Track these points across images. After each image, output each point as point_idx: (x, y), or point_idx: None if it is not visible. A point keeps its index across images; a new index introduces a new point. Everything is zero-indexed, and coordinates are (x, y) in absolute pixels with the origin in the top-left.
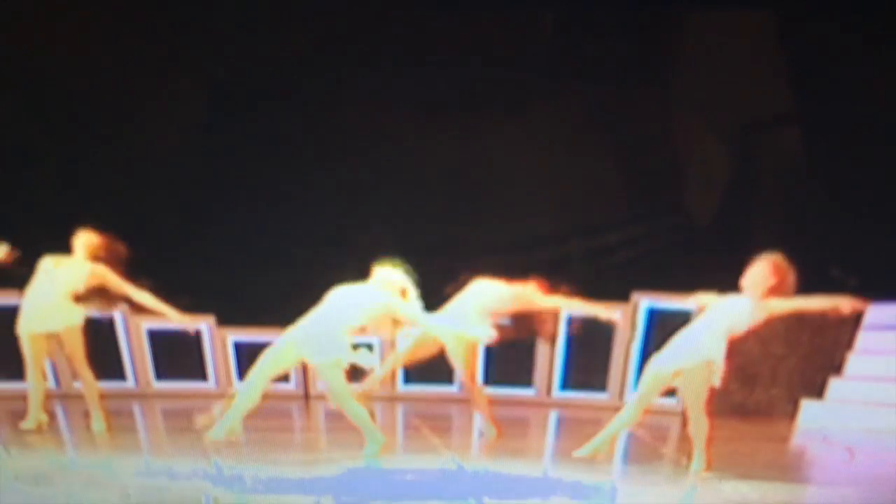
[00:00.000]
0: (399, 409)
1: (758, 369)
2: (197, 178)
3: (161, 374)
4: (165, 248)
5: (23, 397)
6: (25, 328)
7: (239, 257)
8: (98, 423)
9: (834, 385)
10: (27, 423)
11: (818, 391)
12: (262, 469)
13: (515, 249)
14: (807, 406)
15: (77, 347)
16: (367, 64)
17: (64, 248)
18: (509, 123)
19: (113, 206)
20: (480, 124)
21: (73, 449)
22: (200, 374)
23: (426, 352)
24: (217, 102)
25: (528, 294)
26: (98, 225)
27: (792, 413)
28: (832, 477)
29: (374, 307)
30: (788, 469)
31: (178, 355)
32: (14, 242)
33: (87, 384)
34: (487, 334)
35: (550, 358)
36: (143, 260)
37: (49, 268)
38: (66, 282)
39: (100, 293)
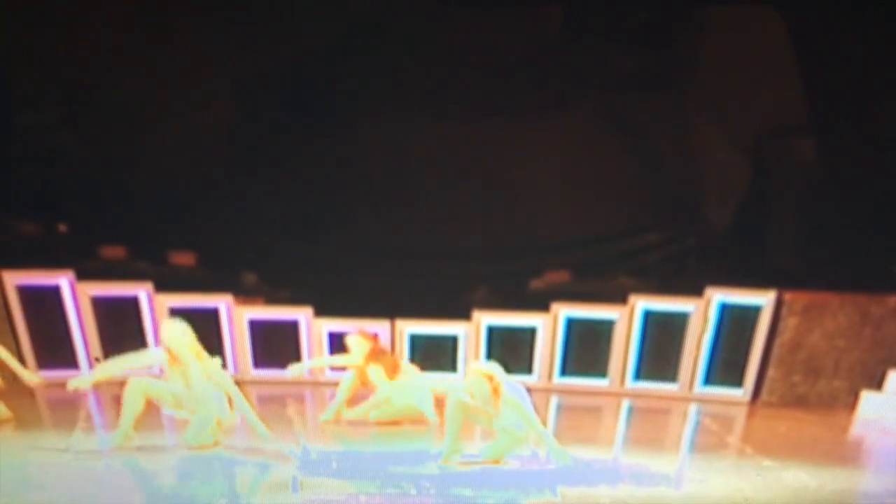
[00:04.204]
0: None
1: (822, 362)
2: (297, 181)
3: (259, 362)
4: (269, 245)
5: None
6: None
7: (336, 254)
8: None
9: (893, 377)
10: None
11: (878, 383)
12: (346, 455)
13: (529, 254)
14: (867, 397)
15: None
16: (388, 69)
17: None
18: (525, 129)
19: (225, 205)
20: (499, 129)
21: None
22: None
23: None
24: (305, 102)
25: None
26: (212, 225)
27: (853, 404)
28: (889, 465)
29: None
30: (847, 458)
31: (275, 344)
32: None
33: None
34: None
35: (625, 351)
36: (249, 257)
37: None
38: None
39: None
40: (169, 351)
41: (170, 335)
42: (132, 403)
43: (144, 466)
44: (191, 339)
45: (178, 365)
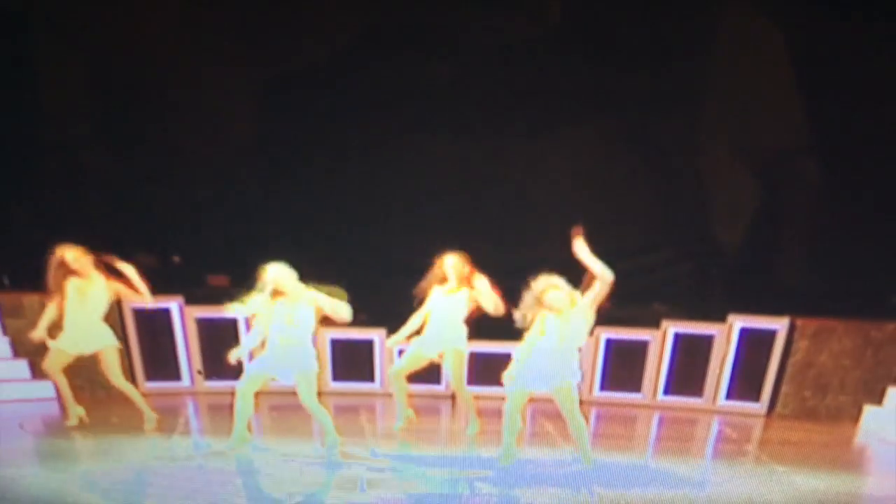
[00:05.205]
0: (528, 409)
1: (829, 380)
2: (359, 208)
3: (337, 376)
4: (353, 275)
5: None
6: (64, 347)
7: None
8: (150, 422)
9: (892, 393)
10: (71, 421)
11: (879, 398)
12: (410, 457)
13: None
14: (869, 411)
15: (115, 364)
16: (400, 85)
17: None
18: (535, 149)
19: (317, 241)
20: (508, 148)
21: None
22: (369, 377)
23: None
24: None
25: None
26: (303, 259)
27: (856, 417)
28: (887, 471)
29: None
30: (851, 464)
31: (351, 360)
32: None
33: (131, 393)
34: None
35: (657, 368)
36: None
37: (76, 292)
38: (96, 306)
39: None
40: (275, 291)
41: (277, 274)
42: (245, 405)
43: (221, 466)
44: (294, 277)
45: (284, 302)
